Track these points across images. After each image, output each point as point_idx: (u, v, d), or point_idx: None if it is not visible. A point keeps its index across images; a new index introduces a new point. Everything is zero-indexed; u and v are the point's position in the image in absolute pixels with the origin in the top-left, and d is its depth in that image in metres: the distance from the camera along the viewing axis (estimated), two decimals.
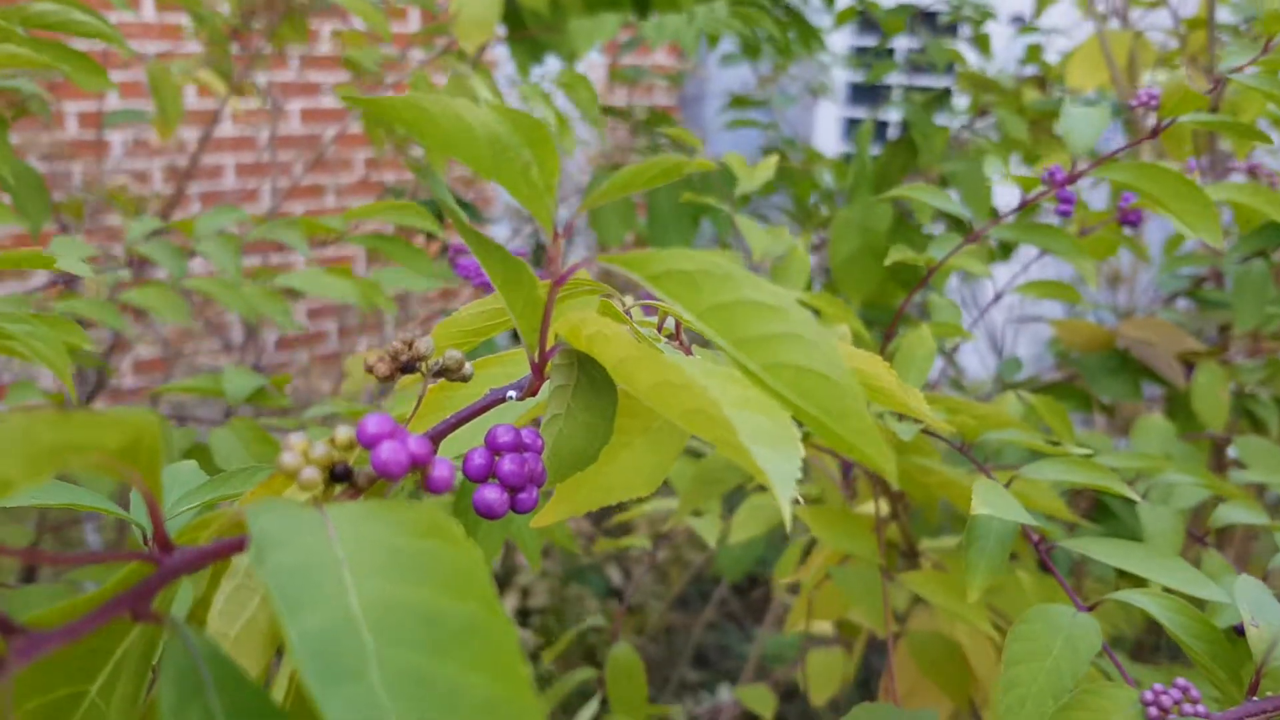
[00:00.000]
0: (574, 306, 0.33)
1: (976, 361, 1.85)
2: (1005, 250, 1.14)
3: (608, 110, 1.36)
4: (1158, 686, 0.44)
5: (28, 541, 1.04)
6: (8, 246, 2.18)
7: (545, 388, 0.30)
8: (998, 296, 0.83)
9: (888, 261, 0.56)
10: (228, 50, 1.33)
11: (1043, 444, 0.54)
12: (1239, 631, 0.47)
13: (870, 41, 2.49)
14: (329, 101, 2.20)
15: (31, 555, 0.22)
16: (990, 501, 0.47)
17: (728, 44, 1.59)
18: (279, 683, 0.30)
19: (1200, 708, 0.43)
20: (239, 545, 0.24)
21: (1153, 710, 0.44)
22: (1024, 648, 0.45)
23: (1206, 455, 0.85)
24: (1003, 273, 1.77)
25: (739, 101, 1.55)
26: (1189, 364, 0.90)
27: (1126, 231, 0.70)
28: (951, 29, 1.53)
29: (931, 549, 0.72)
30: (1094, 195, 1.76)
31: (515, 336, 0.32)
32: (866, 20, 1.98)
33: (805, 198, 1.26)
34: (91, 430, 0.20)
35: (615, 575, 1.63)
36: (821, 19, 1.40)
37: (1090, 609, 0.48)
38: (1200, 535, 0.61)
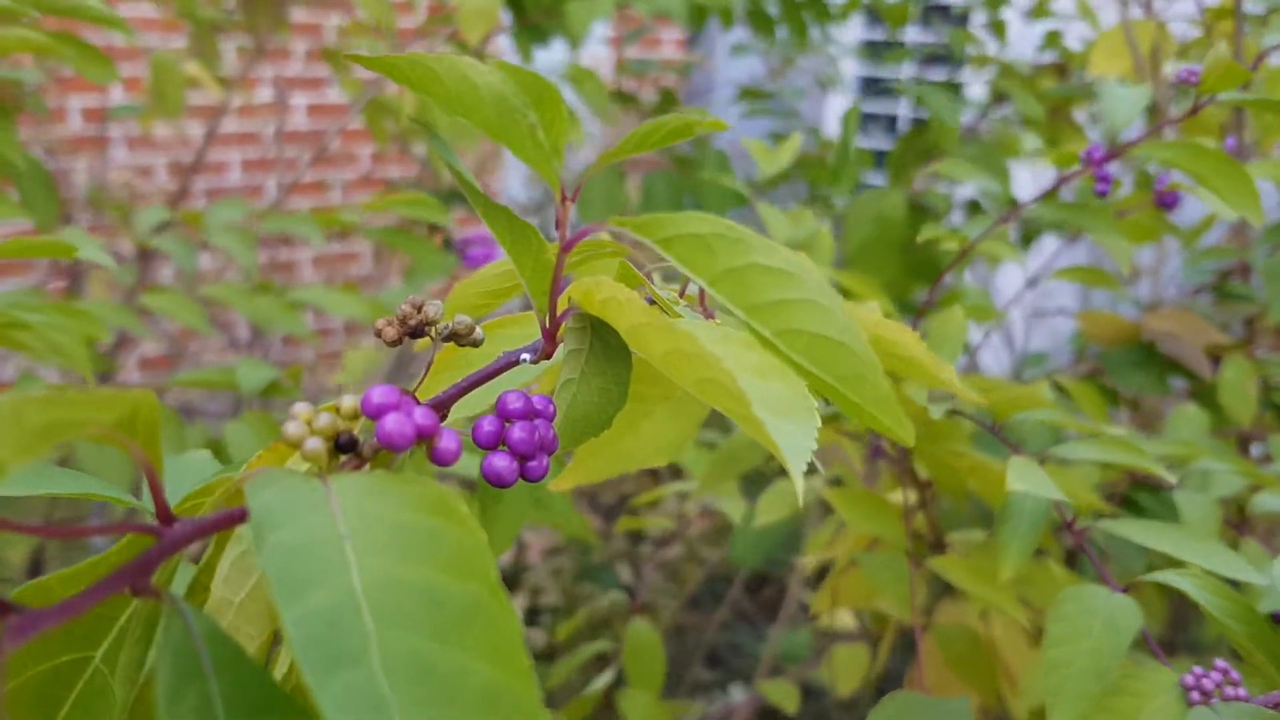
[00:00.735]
0: (591, 271, 0.32)
1: (990, 358, 1.83)
2: (1026, 239, 1.12)
3: (616, 96, 1.34)
4: (1198, 670, 0.43)
5: (30, 546, 1.03)
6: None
7: (560, 351, 0.29)
8: (1031, 282, 0.81)
9: (920, 239, 0.55)
10: (214, 42, 1.32)
11: (1077, 423, 0.52)
12: (1276, 619, 0.46)
13: (880, 35, 2.47)
14: (334, 96, 2.19)
15: (34, 530, 0.22)
16: (1025, 478, 0.46)
17: (737, 34, 1.57)
18: (283, 655, 0.29)
19: (1241, 690, 0.42)
20: (242, 516, 0.23)
21: (1194, 694, 0.43)
22: (1064, 629, 0.44)
23: (1233, 451, 0.83)
24: (1015, 270, 1.75)
25: (748, 94, 1.53)
26: (1215, 358, 0.88)
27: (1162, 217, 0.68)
28: (963, 20, 1.50)
29: (960, 542, 0.71)
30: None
31: None
32: (876, 13, 1.96)
33: (820, 186, 1.24)
34: (84, 408, 0.19)
35: (626, 574, 1.61)
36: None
37: (1125, 590, 0.47)
38: (1237, 523, 0.59)
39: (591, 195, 1.16)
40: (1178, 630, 1.08)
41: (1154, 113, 1.01)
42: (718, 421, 0.79)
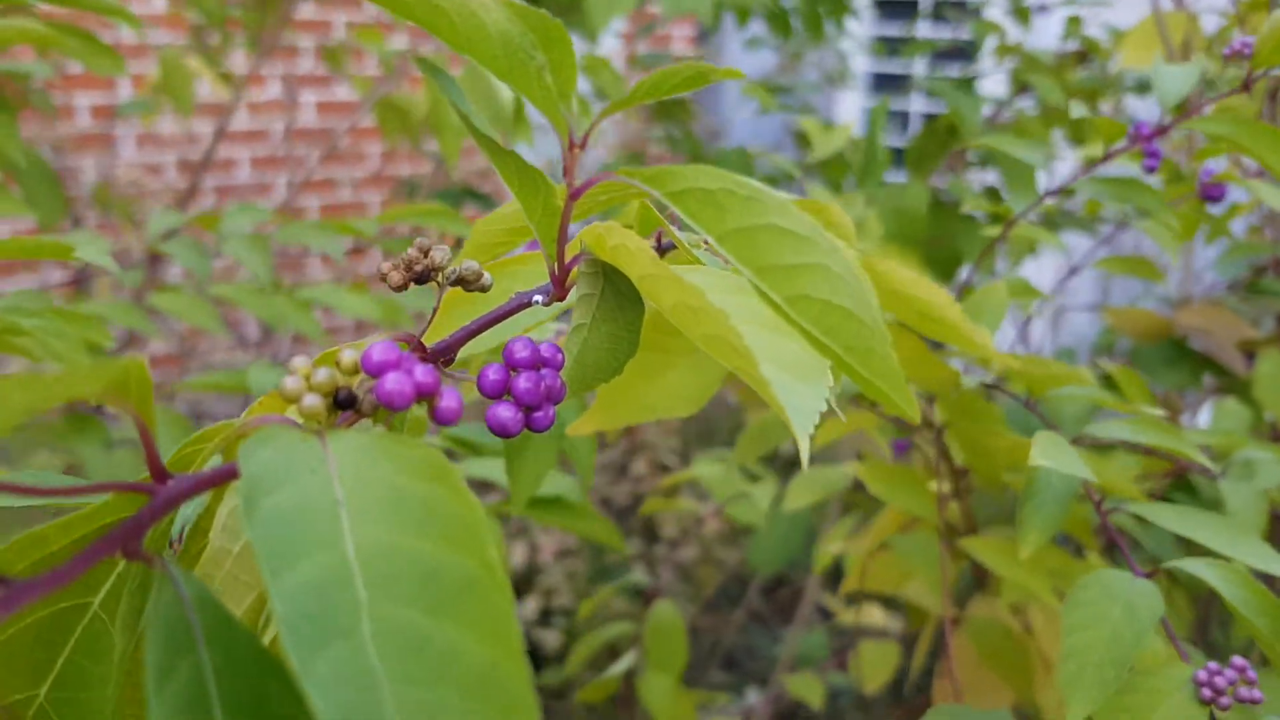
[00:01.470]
0: (618, 214, 0.31)
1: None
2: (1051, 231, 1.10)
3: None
4: (1212, 666, 0.41)
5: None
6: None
7: (573, 294, 0.28)
8: (1073, 271, 0.79)
9: (963, 210, 0.53)
10: (227, 37, 1.31)
11: (1116, 401, 0.50)
12: None
13: (892, 30, 2.45)
14: (343, 94, 2.18)
15: (27, 490, 0.21)
16: (1051, 454, 0.44)
17: (749, 28, 1.55)
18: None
19: (1256, 691, 0.41)
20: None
21: (1205, 691, 0.41)
22: (1082, 615, 0.42)
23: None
24: (1032, 269, 1.72)
25: (756, 88, 1.50)
26: (1248, 353, 0.86)
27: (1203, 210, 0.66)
28: (975, 14, 1.48)
29: (994, 537, 0.69)
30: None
31: None
32: (888, 7, 1.94)
33: (838, 180, 1.22)
34: (67, 384, 0.19)
35: (641, 575, 1.59)
36: None
37: (1149, 575, 0.45)
38: (1275, 515, 0.57)
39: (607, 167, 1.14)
40: (1201, 633, 1.05)
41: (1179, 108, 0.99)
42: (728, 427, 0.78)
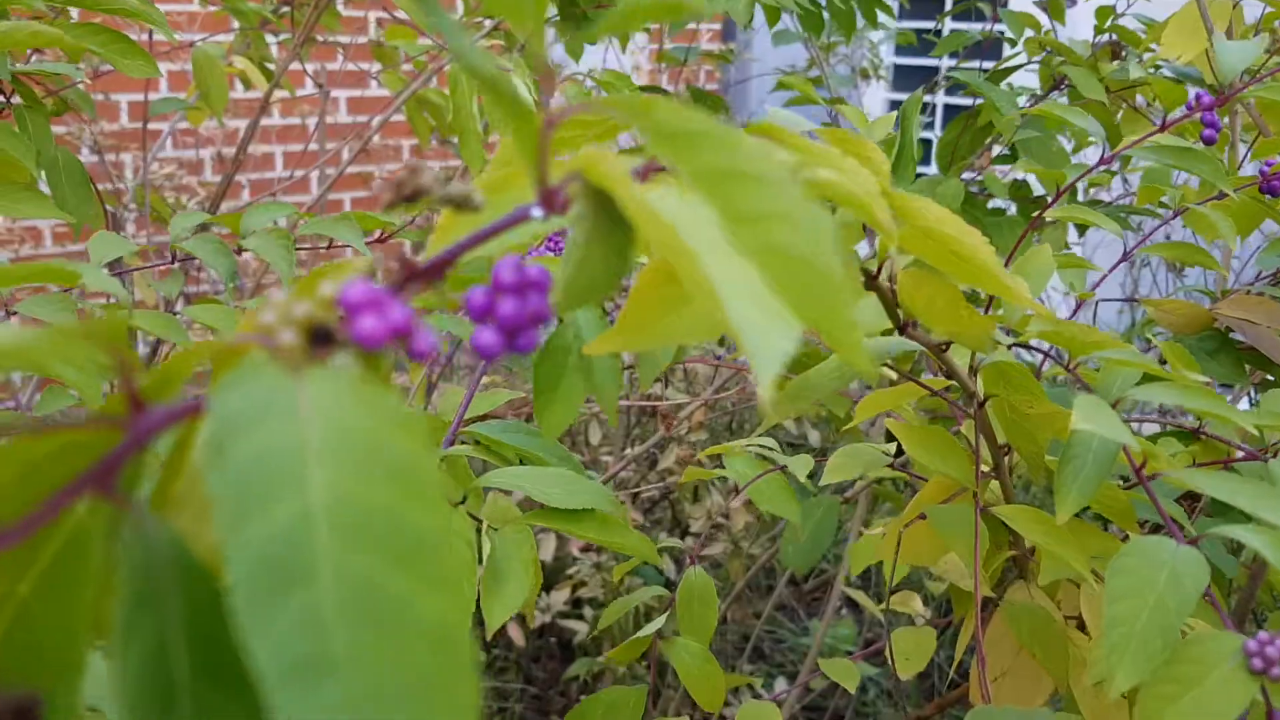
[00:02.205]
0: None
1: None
2: (1082, 226, 1.09)
3: (647, 90, 1.33)
4: (1263, 635, 0.41)
5: None
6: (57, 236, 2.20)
7: (571, 213, 0.28)
8: (1126, 255, 0.78)
9: (1010, 173, 0.52)
10: (263, 38, 1.32)
11: (1158, 368, 0.49)
12: None
13: (917, 24, 2.43)
14: (376, 90, 2.19)
15: None
16: (1092, 417, 0.43)
17: (782, 21, 1.54)
18: None
19: None
20: None
21: (1256, 661, 0.40)
22: (1125, 582, 0.41)
23: None
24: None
25: (787, 83, 1.50)
26: None
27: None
28: (1001, 4, 1.47)
29: None
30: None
31: None
32: (914, 1, 1.93)
33: None
34: (42, 346, 0.19)
35: (670, 569, 1.60)
36: None
37: (1193, 542, 0.44)
38: None
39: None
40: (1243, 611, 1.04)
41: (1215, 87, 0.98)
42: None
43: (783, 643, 1.76)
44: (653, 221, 0.23)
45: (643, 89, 1.29)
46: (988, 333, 0.51)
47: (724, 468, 0.79)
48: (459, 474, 0.63)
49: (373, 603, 0.17)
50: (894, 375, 0.91)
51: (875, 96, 2.70)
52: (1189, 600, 0.40)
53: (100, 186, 1.04)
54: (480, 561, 0.55)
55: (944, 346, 0.57)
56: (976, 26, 1.42)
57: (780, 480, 0.81)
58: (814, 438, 1.85)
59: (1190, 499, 0.75)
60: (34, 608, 0.21)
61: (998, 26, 1.35)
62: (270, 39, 1.36)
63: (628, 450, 1.63)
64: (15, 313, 0.73)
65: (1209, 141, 0.55)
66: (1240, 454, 0.58)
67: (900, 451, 0.83)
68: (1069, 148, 1.13)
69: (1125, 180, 1.47)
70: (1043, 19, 1.24)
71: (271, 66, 1.33)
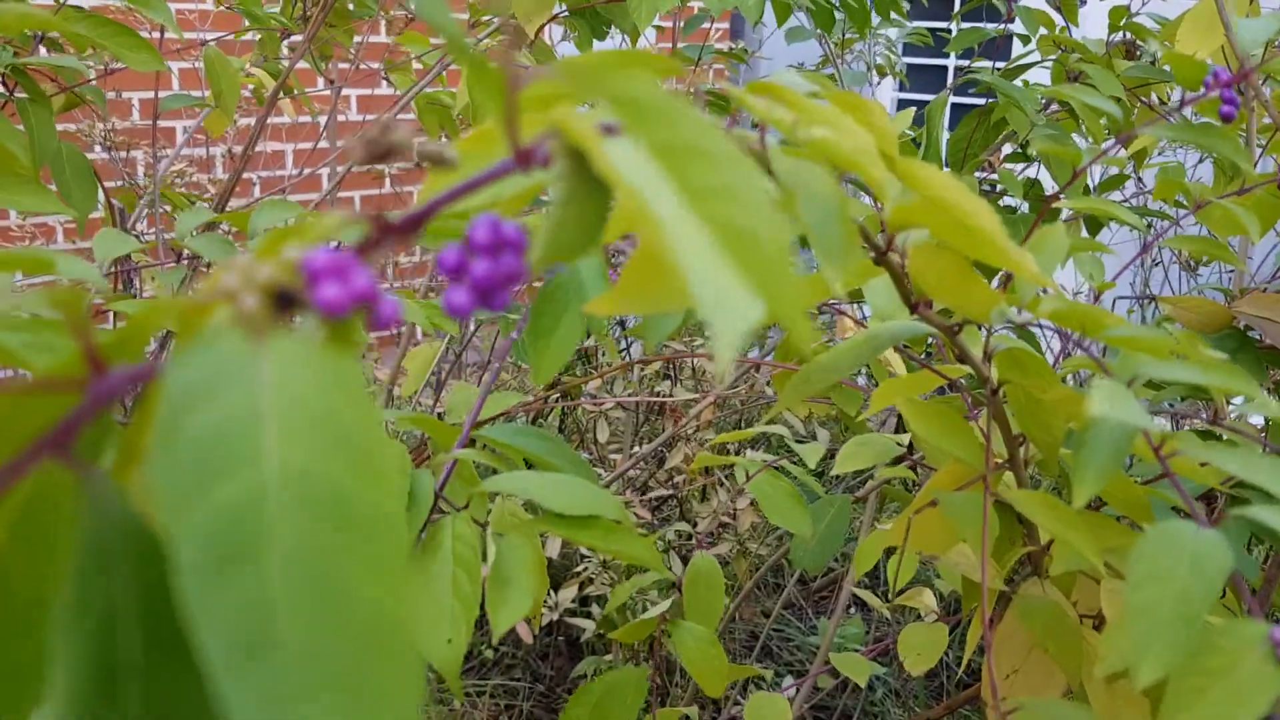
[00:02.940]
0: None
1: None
2: (1094, 226, 1.09)
3: None
4: None
5: None
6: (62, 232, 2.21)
7: (553, 171, 0.28)
8: (1146, 248, 0.78)
9: (1034, 149, 0.51)
10: (276, 39, 1.32)
11: (1177, 344, 0.48)
12: None
13: (928, 23, 2.42)
14: (385, 88, 2.19)
15: None
16: (1110, 400, 0.42)
17: (792, 20, 1.54)
18: None
19: None
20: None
21: None
22: (1147, 569, 0.41)
23: None
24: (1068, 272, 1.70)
25: (813, 77, 1.50)
26: None
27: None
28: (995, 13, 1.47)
29: None
30: (1203, 170, 1.67)
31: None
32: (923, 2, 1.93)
33: None
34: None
35: (677, 567, 1.60)
36: None
37: (1214, 523, 0.43)
38: None
39: None
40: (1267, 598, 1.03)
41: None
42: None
43: (790, 641, 1.76)
44: (623, 186, 0.23)
45: None
46: (993, 304, 0.50)
47: (734, 463, 0.78)
48: (466, 477, 0.62)
49: (320, 585, 0.16)
50: (903, 370, 0.91)
51: (884, 96, 2.70)
52: (1213, 586, 0.39)
53: (112, 183, 1.04)
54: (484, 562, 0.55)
55: (957, 329, 0.56)
56: (986, 26, 1.42)
57: (789, 488, 0.81)
58: (822, 436, 1.85)
59: (1208, 500, 0.74)
60: (2, 565, 0.20)
61: (1008, 24, 1.34)
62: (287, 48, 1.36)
63: (636, 448, 1.63)
64: None
65: (1228, 118, 0.54)
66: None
67: (913, 449, 0.83)
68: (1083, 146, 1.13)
69: (1140, 179, 1.47)
70: (1055, 17, 1.23)
71: (285, 63, 1.33)
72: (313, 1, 1.28)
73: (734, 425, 1.86)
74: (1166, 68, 1.06)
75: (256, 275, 0.22)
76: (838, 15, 1.24)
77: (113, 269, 1.03)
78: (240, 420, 0.18)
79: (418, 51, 1.46)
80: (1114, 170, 1.33)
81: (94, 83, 1.03)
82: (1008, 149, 1.19)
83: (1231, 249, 0.70)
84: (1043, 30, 1.17)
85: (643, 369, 1.66)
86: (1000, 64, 1.33)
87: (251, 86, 1.30)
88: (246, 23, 1.30)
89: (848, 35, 1.54)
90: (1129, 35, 1.11)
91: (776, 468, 0.78)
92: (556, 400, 1.44)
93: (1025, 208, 1.14)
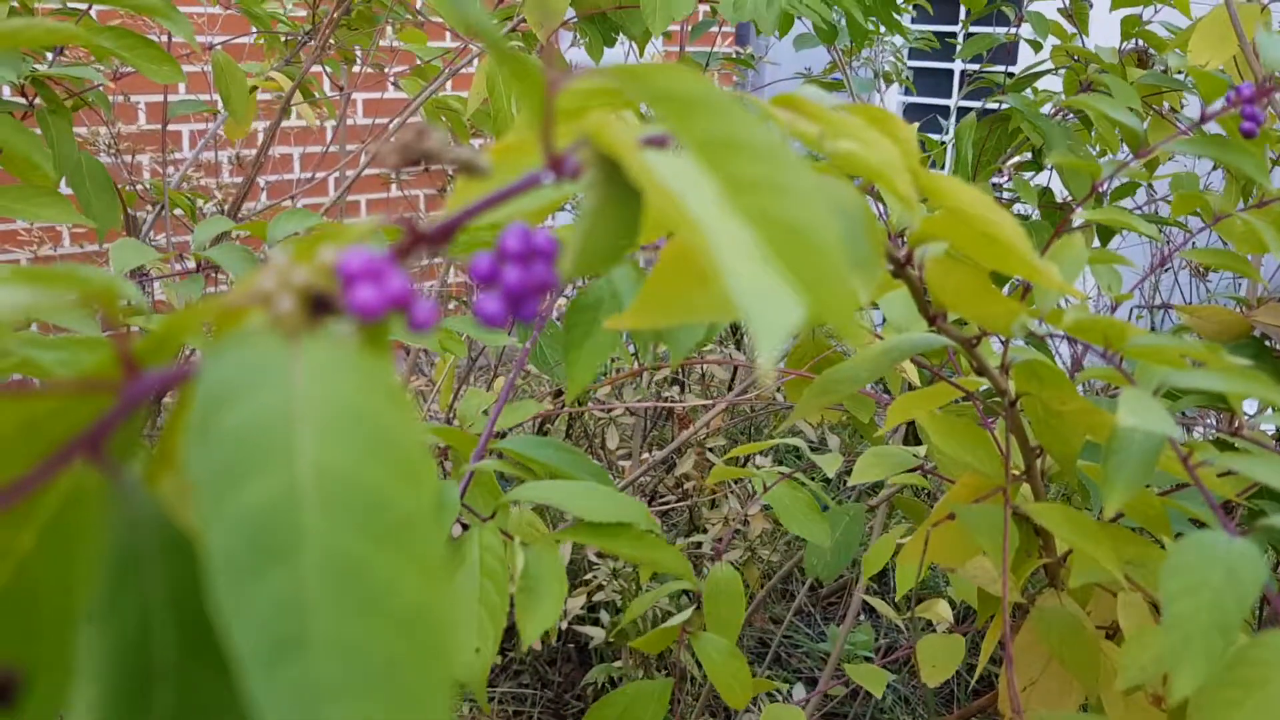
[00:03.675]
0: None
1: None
2: (1105, 234, 1.09)
3: None
4: None
5: None
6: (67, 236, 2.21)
7: (585, 179, 0.28)
8: (1163, 261, 0.78)
9: (1050, 161, 0.51)
10: (288, 51, 1.32)
11: (1204, 353, 0.48)
12: None
13: (935, 28, 2.42)
14: (393, 92, 2.20)
15: None
16: (1139, 411, 0.42)
17: (800, 27, 1.54)
18: None
19: None
20: None
21: None
22: (1182, 581, 0.40)
23: None
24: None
25: (819, 83, 1.50)
26: None
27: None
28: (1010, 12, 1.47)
29: None
30: (1215, 177, 1.67)
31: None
32: (926, 10, 1.93)
33: None
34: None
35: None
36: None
37: (1244, 533, 0.43)
38: None
39: None
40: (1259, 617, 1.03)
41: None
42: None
43: (799, 647, 1.75)
44: (657, 189, 0.23)
45: None
46: (1012, 315, 0.49)
47: (751, 475, 0.78)
48: (486, 488, 0.62)
49: (357, 584, 0.16)
50: (916, 378, 0.90)
51: (890, 101, 2.70)
52: (1247, 597, 0.39)
53: (117, 187, 1.04)
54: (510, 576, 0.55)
55: (975, 341, 0.56)
56: (994, 30, 1.41)
57: (808, 499, 0.81)
58: (834, 443, 1.85)
59: (1227, 511, 0.74)
60: (33, 568, 0.20)
61: (1016, 29, 1.34)
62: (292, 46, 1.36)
63: (645, 455, 1.63)
64: None
65: (1249, 135, 0.54)
66: None
67: (928, 457, 0.83)
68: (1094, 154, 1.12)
69: (1151, 188, 1.46)
70: (1065, 25, 1.23)
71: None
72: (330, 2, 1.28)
73: (744, 432, 1.86)
74: (1179, 75, 1.06)
75: (292, 278, 0.22)
76: (840, 26, 1.24)
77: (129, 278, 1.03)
78: (272, 419, 0.18)
79: (417, 50, 1.46)
80: (1125, 178, 1.32)
81: (100, 87, 1.02)
82: (1017, 158, 1.19)
83: (1247, 259, 0.69)
84: (1055, 40, 1.17)
85: (652, 374, 1.65)
86: (1011, 69, 1.33)
87: (274, 93, 1.30)
88: (255, 29, 1.30)
89: (854, 44, 1.55)
90: (1140, 43, 1.11)
91: (793, 478, 0.78)
92: (563, 407, 1.44)
93: (1036, 215, 1.14)
